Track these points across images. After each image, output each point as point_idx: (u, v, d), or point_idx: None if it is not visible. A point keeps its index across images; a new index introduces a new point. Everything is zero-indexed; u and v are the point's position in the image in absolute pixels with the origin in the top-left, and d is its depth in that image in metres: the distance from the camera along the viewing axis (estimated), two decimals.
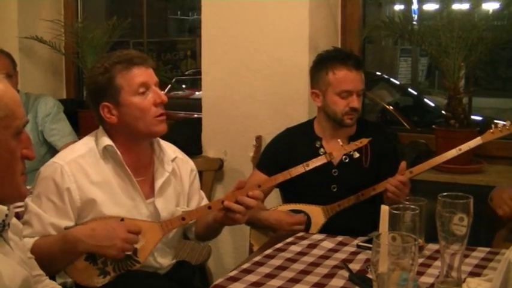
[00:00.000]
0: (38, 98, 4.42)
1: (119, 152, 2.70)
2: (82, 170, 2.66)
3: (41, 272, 2.30)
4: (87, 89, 2.88)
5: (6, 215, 1.90)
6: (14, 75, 4.22)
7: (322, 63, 3.40)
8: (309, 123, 3.50)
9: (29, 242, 2.50)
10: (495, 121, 3.16)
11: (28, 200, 2.60)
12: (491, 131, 3.14)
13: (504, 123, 3.13)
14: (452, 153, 3.19)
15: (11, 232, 1.98)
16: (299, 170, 2.90)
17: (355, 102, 3.28)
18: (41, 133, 4.35)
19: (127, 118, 2.68)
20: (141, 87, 2.66)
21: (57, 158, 2.71)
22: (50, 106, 4.40)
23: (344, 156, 3.32)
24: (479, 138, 3.17)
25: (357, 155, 3.07)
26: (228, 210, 2.69)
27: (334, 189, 3.33)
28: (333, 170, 3.36)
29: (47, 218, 2.59)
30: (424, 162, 3.22)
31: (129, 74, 2.66)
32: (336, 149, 3.02)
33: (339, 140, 3.11)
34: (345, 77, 3.29)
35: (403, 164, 3.16)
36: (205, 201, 3.07)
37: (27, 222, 2.60)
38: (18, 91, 3.65)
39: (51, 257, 2.48)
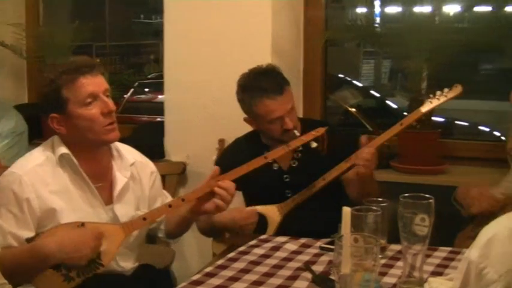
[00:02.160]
0: (1, 113, 4.28)
1: (75, 160, 2.68)
2: (41, 179, 2.63)
3: (3, 280, 2.27)
4: (38, 99, 2.84)
5: None
6: None
7: (243, 95, 3.34)
8: (256, 132, 3.47)
9: None
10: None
11: None
12: (430, 100, 3.18)
13: (440, 91, 3.17)
14: (397, 128, 3.21)
15: None
16: (259, 162, 2.92)
17: (288, 124, 3.23)
18: None
19: (75, 129, 2.67)
20: (88, 97, 2.63)
21: (15, 168, 2.68)
22: (8, 128, 4.16)
23: (292, 161, 3.35)
24: (419, 109, 3.21)
25: (314, 144, 3.10)
26: (206, 199, 2.74)
27: (289, 195, 3.30)
28: (284, 176, 3.37)
29: (7, 228, 2.56)
30: (374, 139, 3.23)
31: (76, 85, 2.63)
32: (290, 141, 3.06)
33: (295, 131, 3.14)
34: (269, 108, 3.23)
35: (365, 137, 3.18)
36: (169, 200, 3.06)
37: None
38: None
39: (17, 269, 2.45)
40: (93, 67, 2.68)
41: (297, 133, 3.15)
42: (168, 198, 3.08)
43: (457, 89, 3.16)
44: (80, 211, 2.67)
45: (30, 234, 2.57)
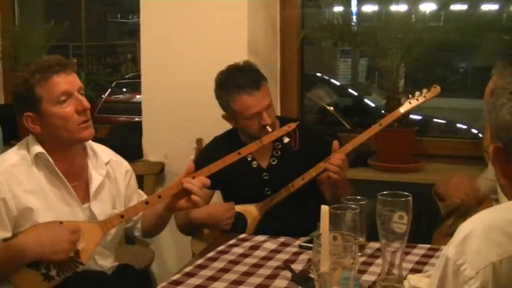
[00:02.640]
0: None
1: (50, 159, 2.68)
2: (15, 179, 2.62)
3: None
4: (12, 98, 2.82)
5: None
6: None
7: (220, 91, 3.35)
8: (234, 130, 3.48)
9: None
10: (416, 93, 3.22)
11: None
12: (409, 101, 3.22)
13: (419, 92, 3.20)
14: (376, 128, 3.24)
15: None
16: (232, 158, 2.93)
17: (266, 119, 3.24)
18: None
19: (50, 128, 2.66)
20: (62, 95, 2.63)
21: None
22: None
23: (272, 159, 3.37)
24: (399, 109, 3.26)
25: (286, 139, 3.14)
26: (181, 196, 2.74)
27: (268, 192, 3.32)
28: (264, 174, 3.38)
29: None
30: (349, 142, 3.24)
31: (49, 83, 2.62)
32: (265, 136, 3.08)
33: (267, 127, 3.15)
34: (246, 104, 3.24)
35: (336, 142, 3.18)
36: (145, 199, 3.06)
37: None
38: None
39: None
40: (66, 66, 2.68)
41: (269, 129, 3.17)
42: (143, 197, 3.07)
43: (436, 90, 3.19)
44: (57, 210, 2.67)
45: (6, 234, 2.57)
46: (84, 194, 2.78)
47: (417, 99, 3.19)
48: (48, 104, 2.62)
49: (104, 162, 2.86)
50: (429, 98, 3.19)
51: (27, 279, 2.54)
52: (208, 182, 2.78)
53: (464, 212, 2.99)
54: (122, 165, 3.00)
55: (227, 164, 2.91)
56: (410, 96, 3.22)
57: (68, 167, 2.74)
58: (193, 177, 2.75)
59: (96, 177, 2.81)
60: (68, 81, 2.65)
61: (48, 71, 2.62)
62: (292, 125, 3.10)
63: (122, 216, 2.73)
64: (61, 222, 2.58)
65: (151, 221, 2.98)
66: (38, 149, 2.67)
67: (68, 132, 2.66)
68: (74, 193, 2.73)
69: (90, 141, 2.85)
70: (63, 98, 2.63)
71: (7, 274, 2.53)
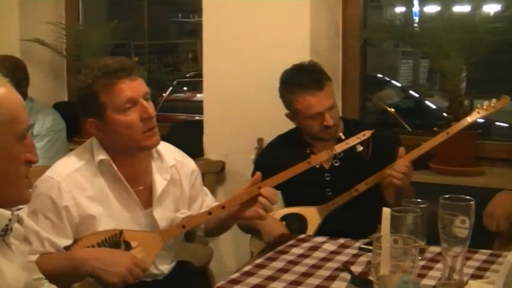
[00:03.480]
0: (39, 112, 4.32)
1: (114, 166, 2.63)
2: (79, 185, 2.59)
3: (40, 275, 2.30)
4: (76, 102, 2.73)
5: (10, 220, 1.90)
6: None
7: (284, 90, 3.36)
8: (299, 130, 3.47)
9: (30, 258, 2.43)
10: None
11: (24, 215, 2.46)
12: (477, 110, 3.13)
13: (488, 102, 3.13)
14: (443, 136, 3.17)
15: (12, 236, 1.98)
16: (301, 167, 2.90)
17: (328, 120, 3.23)
18: None
19: (114, 135, 2.60)
20: (127, 103, 2.55)
21: (53, 173, 2.61)
22: (46, 127, 4.29)
23: (335, 160, 3.35)
24: (467, 118, 3.17)
25: (360, 148, 3.09)
26: (245, 206, 2.68)
27: (330, 193, 3.32)
28: (326, 175, 3.37)
29: (44, 234, 2.52)
30: (415, 149, 3.19)
31: (113, 90, 2.54)
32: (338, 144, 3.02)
33: (340, 134, 3.13)
34: (309, 104, 3.24)
35: (403, 149, 3.15)
36: (210, 198, 3.06)
37: (25, 238, 2.48)
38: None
39: (55, 276, 2.41)
40: (131, 70, 2.58)
41: (342, 136, 3.14)
42: (208, 195, 3.06)
43: (505, 100, 3.12)
44: (118, 216, 2.64)
45: (68, 242, 2.55)
46: (147, 198, 2.73)
47: (486, 109, 3.11)
48: (113, 112, 2.55)
49: (169, 166, 2.80)
50: (498, 108, 3.12)
51: (87, 286, 2.55)
52: (275, 194, 2.73)
53: None
54: (187, 166, 2.93)
55: (296, 173, 2.87)
56: (478, 105, 3.16)
57: (131, 172, 2.69)
58: (260, 187, 2.67)
59: (160, 182, 2.75)
60: (132, 88, 2.56)
61: (112, 76, 2.54)
62: (367, 134, 3.02)
63: (184, 227, 2.68)
64: (121, 231, 2.57)
65: (214, 225, 2.94)
66: (102, 155, 2.62)
67: (132, 140, 2.59)
68: (136, 198, 2.69)
69: None
70: (127, 105, 2.55)
71: (67, 283, 2.53)
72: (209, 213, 2.71)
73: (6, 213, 1.89)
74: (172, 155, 2.86)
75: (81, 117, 2.71)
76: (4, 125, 1.83)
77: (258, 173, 2.71)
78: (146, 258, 2.57)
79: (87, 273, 2.46)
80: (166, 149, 2.86)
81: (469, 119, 3.14)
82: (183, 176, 2.89)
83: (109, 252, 2.51)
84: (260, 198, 2.65)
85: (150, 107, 2.60)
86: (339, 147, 3.00)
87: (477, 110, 3.13)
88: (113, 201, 2.65)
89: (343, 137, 3.12)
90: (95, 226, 2.59)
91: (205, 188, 3.09)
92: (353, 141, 3.00)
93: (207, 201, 3.02)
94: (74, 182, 2.58)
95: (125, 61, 2.64)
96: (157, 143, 2.69)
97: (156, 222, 2.72)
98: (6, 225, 1.89)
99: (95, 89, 2.55)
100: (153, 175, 2.75)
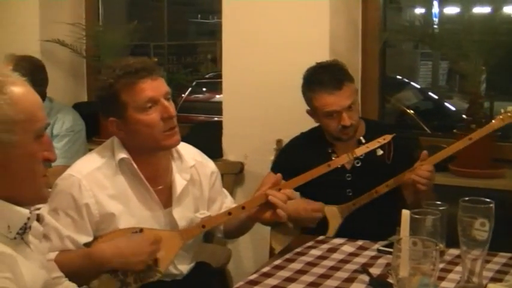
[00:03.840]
0: (59, 112, 4.35)
1: (135, 165, 2.65)
2: (99, 184, 2.60)
3: (60, 273, 2.31)
4: (96, 101, 2.77)
5: (28, 218, 1.92)
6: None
7: (305, 87, 3.39)
8: (320, 128, 3.48)
9: (49, 257, 2.44)
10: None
11: (44, 212, 2.48)
12: (501, 116, 3.10)
13: None
14: (465, 141, 3.14)
15: (31, 235, 1.99)
16: (321, 170, 2.91)
17: (345, 120, 3.23)
18: None
19: (134, 134, 2.62)
20: (148, 102, 2.57)
21: (74, 171, 2.63)
22: (66, 128, 4.31)
23: (356, 161, 3.34)
24: (491, 124, 3.13)
25: (380, 152, 3.08)
26: (265, 207, 2.69)
27: (350, 194, 3.32)
28: (347, 175, 3.36)
29: (65, 232, 2.55)
30: (437, 153, 3.18)
31: (134, 90, 2.57)
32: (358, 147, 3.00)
33: (361, 138, 3.13)
34: (327, 102, 3.25)
35: (425, 153, 3.14)
36: (229, 200, 3.06)
37: (44, 236, 2.53)
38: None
39: (73, 274, 2.43)
40: (152, 70, 2.61)
41: (362, 140, 3.13)
42: (227, 197, 3.06)
43: None
44: (138, 215, 2.66)
45: (88, 239, 2.57)
46: (166, 198, 2.74)
47: (510, 116, 3.09)
48: (134, 111, 2.57)
49: (189, 166, 2.81)
50: None
51: (105, 285, 2.53)
52: (294, 194, 2.75)
53: None
54: (207, 167, 2.94)
55: (315, 176, 2.88)
56: (502, 111, 3.13)
57: (152, 171, 2.70)
58: (279, 189, 2.69)
59: (179, 182, 2.76)
60: (153, 87, 2.59)
61: (133, 76, 2.56)
62: (388, 138, 3.00)
63: (203, 226, 2.69)
64: (141, 230, 2.58)
65: (234, 226, 2.95)
66: (122, 154, 2.64)
67: (153, 139, 2.61)
68: (156, 198, 2.70)
69: None
70: (148, 104, 2.57)
71: (85, 280, 2.52)
72: (229, 213, 2.73)
73: (25, 211, 1.90)
74: (192, 156, 2.88)
75: (102, 116, 2.73)
76: (22, 123, 1.84)
77: (279, 175, 2.74)
78: (166, 256, 2.59)
79: (109, 269, 2.50)
80: (186, 150, 2.87)
81: (494, 126, 3.11)
82: (203, 176, 2.90)
83: (125, 244, 2.52)
84: (275, 199, 2.67)
85: (170, 106, 2.62)
86: (359, 151, 2.99)
87: (501, 116, 3.09)
88: (132, 199, 2.66)
89: (363, 141, 3.11)
90: (115, 224, 2.60)
91: (224, 190, 3.10)
92: (373, 145, 2.98)
93: (226, 202, 3.02)
94: (94, 180, 2.60)
95: (146, 61, 2.67)
96: (178, 143, 2.71)
97: (176, 222, 2.73)
98: (25, 223, 1.90)
99: (116, 88, 2.57)
100: (173, 175, 2.76)
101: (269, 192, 2.68)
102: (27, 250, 1.96)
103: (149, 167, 2.69)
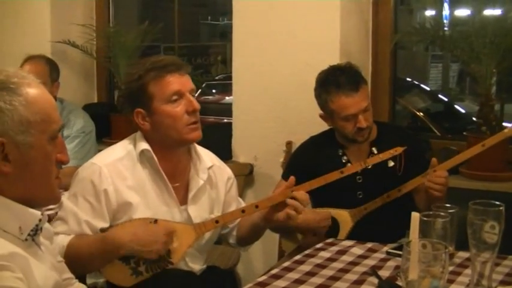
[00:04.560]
0: (70, 113, 4.40)
1: (155, 157, 2.71)
2: (119, 174, 2.68)
3: (70, 275, 2.31)
4: (122, 94, 2.88)
5: (40, 220, 1.92)
6: (51, 85, 4.26)
7: (320, 90, 3.37)
8: (332, 131, 3.48)
9: (64, 240, 2.55)
10: None
11: (64, 198, 2.61)
12: None
13: None
14: (478, 148, 3.13)
15: (42, 236, 2.00)
16: (334, 176, 2.93)
17: (361, 122, 3.24)
18: None
19: (159, 126, 2.69)
20: (174, 95, 2.66)
21: (96, 160, 2.74)
22: (76, 129, 4.37)
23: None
24: (504, 131, 3.12)
25: (391, 163, 3.10)
26: (279, 207, 2.71)
27: (360, 196, 3.32)
28: (357, 177, 3.35)
29: (83, 216, 2.61)
30: (450, 159, 3.18)
31: (162, 82, 2.66)
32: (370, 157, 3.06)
33: (373, 148, 3.13)
34: (344, 104, 3.24)
35: (435, 160, 3.13)
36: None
37: (62, 218, 2.63)
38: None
39: (88, 257, 2.53)
40: (181, 66, 2.72)
41: (375, 150, 3.14)
42: (242, 205, 3.07)
43: None
44: (155, 208, 2.71)
45: (105, 224, 2.63)
46: (183, 195, 2.80)
47: None
48: (160, 102, 2.66)
49: (207, 167, 2.86)
50: None
51: (117, 272, 2.59)
52: (307, 198, 2.77)
53: None
54: (224, 172, 3.01)
55: (328, 181, 2.91)
56: None
57: (171, 167, 2.77)
58: (292, 191, 2.71)
59: (196, 181, 2.82)
60: (180, 82, 2.69)
61: (162, 70, 2.67)
62: (399, 150, 3.03)
63: (217, 222, 2.73)
64: (156, 221, 2.60)
65: (247, 229, 2.97)
66: (144, 145, 2.72)
67: (176, 132, 2.69)
68: (173, 194, 2.75)
69: (195, 145, 2.86)
70: (174, 97, 2.66)
71: (100, 265, 2.59)
72: (243, 211, 2.76)
73: (37, 213, 1.91)
74: (210, 158, 2.94)
75: (128, 110, 2.77)
76: (37, 124, 1.85)
77: (292, 178, 2.75)
78: (179, 248, 2.63)
79: (124, 254, 2.55)
80: (205, 152, 2.94)
81: (507, 133, 3.10)
82: (220, 180, 2.96)
83: (142, 230, 2.56)
84: (290, 200, 2.69)
85: (195, 101, 2.72)
86: (371, 161, 3.04)
87: None
88: (150, 192, 2.72)
89: (375, 152, 3.12)
90: (131, 213, 2.66)
91: (240, 199, 3.14)
92: (385, 155, 3.03)
93: None
94: (115, 170, 2.68)
95: (175, 58, 2.84)
96: (199, 137, 2.78)
97: (191, 219, 2.78)
98: (36, 225, 1.91)
99: (144, 80, 2.67)
100: (190, 173, 2.83)
101: (288, 194, 2.70)
102: (39, 252, 1.97)
103: (169, 163, 2.76)
